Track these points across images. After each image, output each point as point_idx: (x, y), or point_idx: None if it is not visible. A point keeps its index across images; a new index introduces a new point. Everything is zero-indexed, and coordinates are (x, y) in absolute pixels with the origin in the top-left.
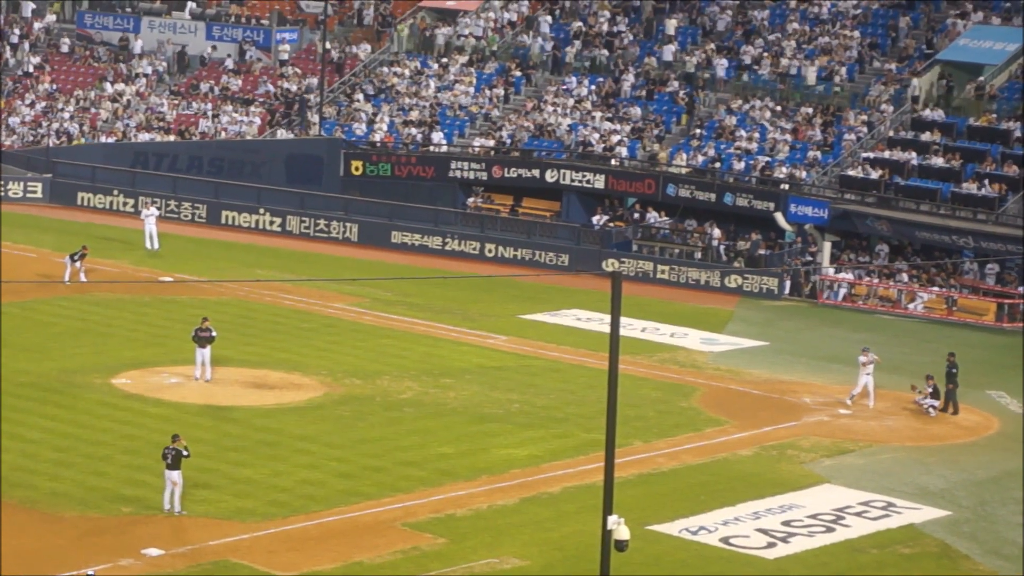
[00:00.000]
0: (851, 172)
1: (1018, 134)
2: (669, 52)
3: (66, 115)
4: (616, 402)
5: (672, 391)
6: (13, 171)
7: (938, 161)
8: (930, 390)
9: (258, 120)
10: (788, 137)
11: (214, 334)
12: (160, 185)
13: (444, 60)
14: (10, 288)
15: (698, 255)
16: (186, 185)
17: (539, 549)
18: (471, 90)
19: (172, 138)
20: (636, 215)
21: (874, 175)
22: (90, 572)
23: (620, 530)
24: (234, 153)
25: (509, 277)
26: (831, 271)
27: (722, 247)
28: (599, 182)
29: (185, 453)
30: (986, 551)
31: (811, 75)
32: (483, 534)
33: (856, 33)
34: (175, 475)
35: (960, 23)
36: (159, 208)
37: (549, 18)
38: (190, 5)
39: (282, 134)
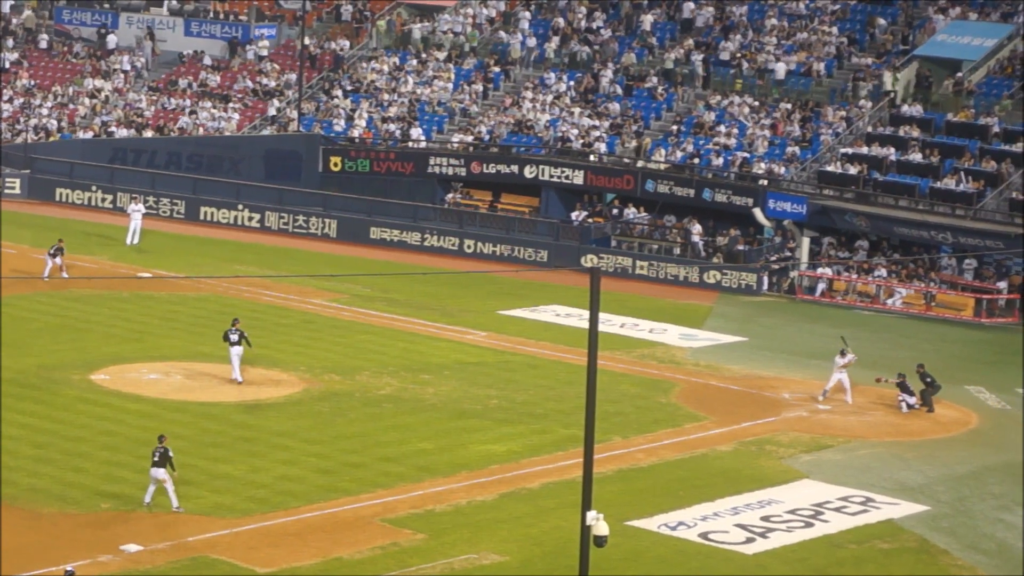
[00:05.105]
0: (829, 168)
1: (996, 129)
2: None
3: (44, 111)
4: (595, 398)
5: (651, 387)
6: None
7: (916, 157)
8: (896, 381)
9: (237, 116)
10: (767, 133)
11: (242, 334)
12: (139, 181)
13: (423, 56)
14: None
15: (677, 251)
16: (165, 181)
17: (518, 545)
18: (450, 86)
19: (150, 134)
20: (615, 211)
21: (852, 171)
22: (69, 568)
23: (599, 526)
24: (213, 149)
25: (488, 273)
26: (809, 267)
27: (701, 243)
28: (578, 178)
29: (170, 454)
30: (964, 546)
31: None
32: (462, 530)
33: (834, 29)
34: (160, 472)
35: (938, 19)
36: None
37: (528, 14)
38: (168, 1)
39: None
